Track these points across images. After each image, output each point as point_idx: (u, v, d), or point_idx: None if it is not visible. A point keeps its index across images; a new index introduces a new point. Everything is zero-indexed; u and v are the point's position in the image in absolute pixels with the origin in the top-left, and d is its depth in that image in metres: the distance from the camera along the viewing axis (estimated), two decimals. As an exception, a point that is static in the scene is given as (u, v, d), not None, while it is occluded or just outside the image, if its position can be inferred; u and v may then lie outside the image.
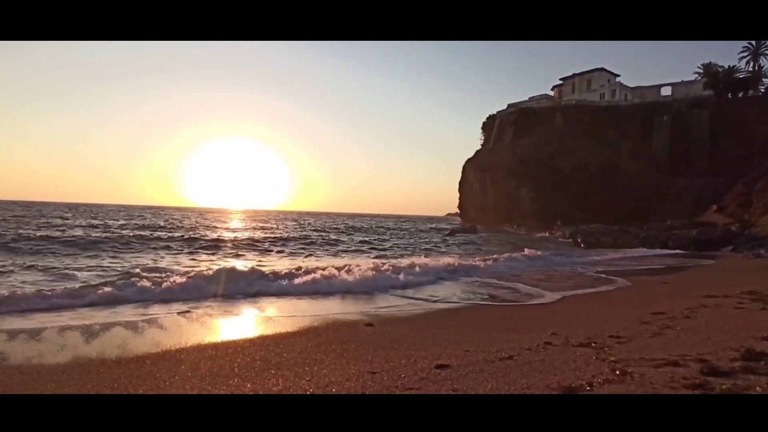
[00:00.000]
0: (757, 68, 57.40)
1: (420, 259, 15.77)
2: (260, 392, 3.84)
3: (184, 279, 9.78)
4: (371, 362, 4.69)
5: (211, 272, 10.70)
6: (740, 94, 56.61)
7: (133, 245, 20.69)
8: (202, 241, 24.28)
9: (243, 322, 7.65)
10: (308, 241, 27.75)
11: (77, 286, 9.46)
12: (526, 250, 19.55)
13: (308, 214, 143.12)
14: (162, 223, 41.19)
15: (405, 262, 14.69)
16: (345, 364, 4.66)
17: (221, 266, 11.98)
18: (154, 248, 20.28)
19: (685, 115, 55.92)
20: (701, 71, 60.00)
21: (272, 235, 30.54)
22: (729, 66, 58.18)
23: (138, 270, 11.56)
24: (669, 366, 3.87)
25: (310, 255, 20.64)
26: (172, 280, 9.71)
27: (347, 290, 10.31)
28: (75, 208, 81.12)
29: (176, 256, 18.39)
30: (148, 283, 9.31)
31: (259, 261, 17.28)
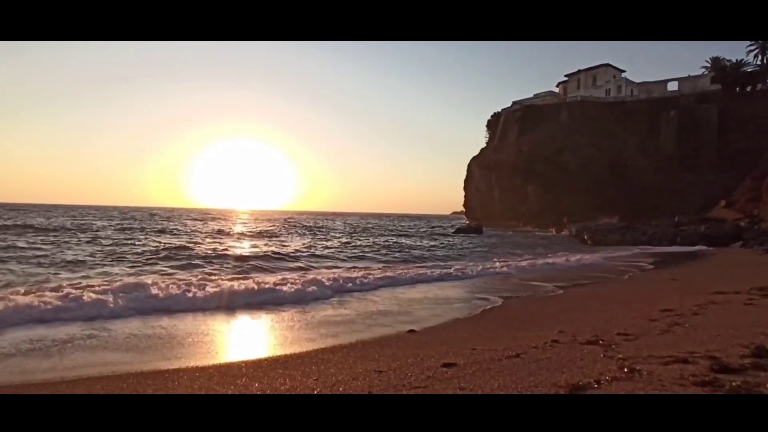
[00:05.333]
0: (765, 62, 56.68)
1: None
2: (268, 392, 3.86)
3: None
4: (378, 361, 4.70)
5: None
6: (748, 88, 55.96)
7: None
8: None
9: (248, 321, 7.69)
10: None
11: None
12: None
13: (313, 214, 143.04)
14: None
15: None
16: (352, 363, 4.67)
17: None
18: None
19: (692, 110, 55.35)
20: (708, 65, 59.41)
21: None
22: (737, 60, 57.62)
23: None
24: (678, 363, 3.84)
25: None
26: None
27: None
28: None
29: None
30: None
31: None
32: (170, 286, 8.91)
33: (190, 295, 8.40)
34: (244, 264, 14.72)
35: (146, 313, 7.38)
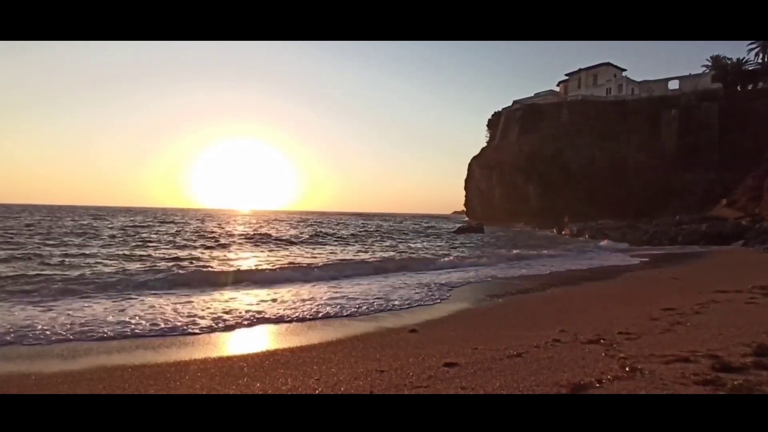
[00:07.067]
0: (767, 60, 56.54)
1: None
2: (269, 392, 3.87)
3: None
4: (379, 361, 4.70)
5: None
6: (750, 87, 55.85)
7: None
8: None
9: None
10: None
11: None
12: None
13: (315, 214, 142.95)
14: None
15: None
16: (353, 363, 4.67)
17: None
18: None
19: (693, 109, 55.22)
20: (710, 64, 59.32)
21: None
22: (738, 58, 57.57)
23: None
24: (679, 362, 3.84)
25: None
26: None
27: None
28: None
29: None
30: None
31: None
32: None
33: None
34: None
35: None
